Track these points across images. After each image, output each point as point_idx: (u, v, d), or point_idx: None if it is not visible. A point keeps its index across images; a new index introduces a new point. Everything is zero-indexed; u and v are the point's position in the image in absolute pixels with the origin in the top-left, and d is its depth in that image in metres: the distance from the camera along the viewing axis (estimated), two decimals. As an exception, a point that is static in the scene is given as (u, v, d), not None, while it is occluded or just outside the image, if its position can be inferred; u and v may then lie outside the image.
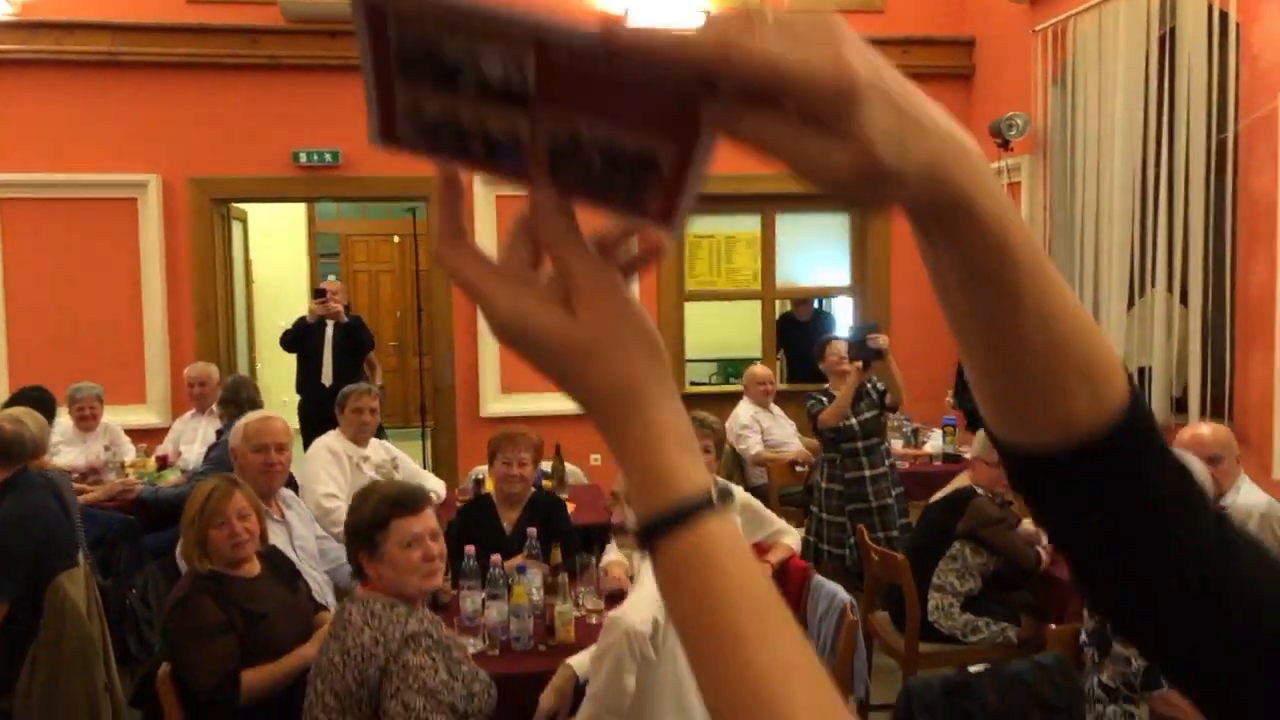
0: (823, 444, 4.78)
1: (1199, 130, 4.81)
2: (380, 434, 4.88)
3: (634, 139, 0.48)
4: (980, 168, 0.46)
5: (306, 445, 4.81)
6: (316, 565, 3.44)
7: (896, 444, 5.39)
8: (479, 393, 6.74)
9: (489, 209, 6.43)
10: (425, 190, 6.45)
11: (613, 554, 3.36)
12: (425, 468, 5.55)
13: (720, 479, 3.68)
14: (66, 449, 5.35)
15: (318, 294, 6.46)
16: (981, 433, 3.64)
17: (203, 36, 6.31)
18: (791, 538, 3.55)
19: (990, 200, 0.47)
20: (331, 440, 4.46)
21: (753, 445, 5.70)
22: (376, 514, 2.34)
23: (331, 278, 8.14)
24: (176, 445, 5.65)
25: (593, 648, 2.47)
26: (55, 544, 3.41)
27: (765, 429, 5.83)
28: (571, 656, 2.63)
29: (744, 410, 5.86)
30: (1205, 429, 3.27)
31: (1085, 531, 0.57)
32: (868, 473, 4.59)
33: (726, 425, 5.19)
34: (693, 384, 8.22)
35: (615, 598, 3.00)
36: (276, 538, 3.19)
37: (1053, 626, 2.94)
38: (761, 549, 3.49)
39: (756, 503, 3.69)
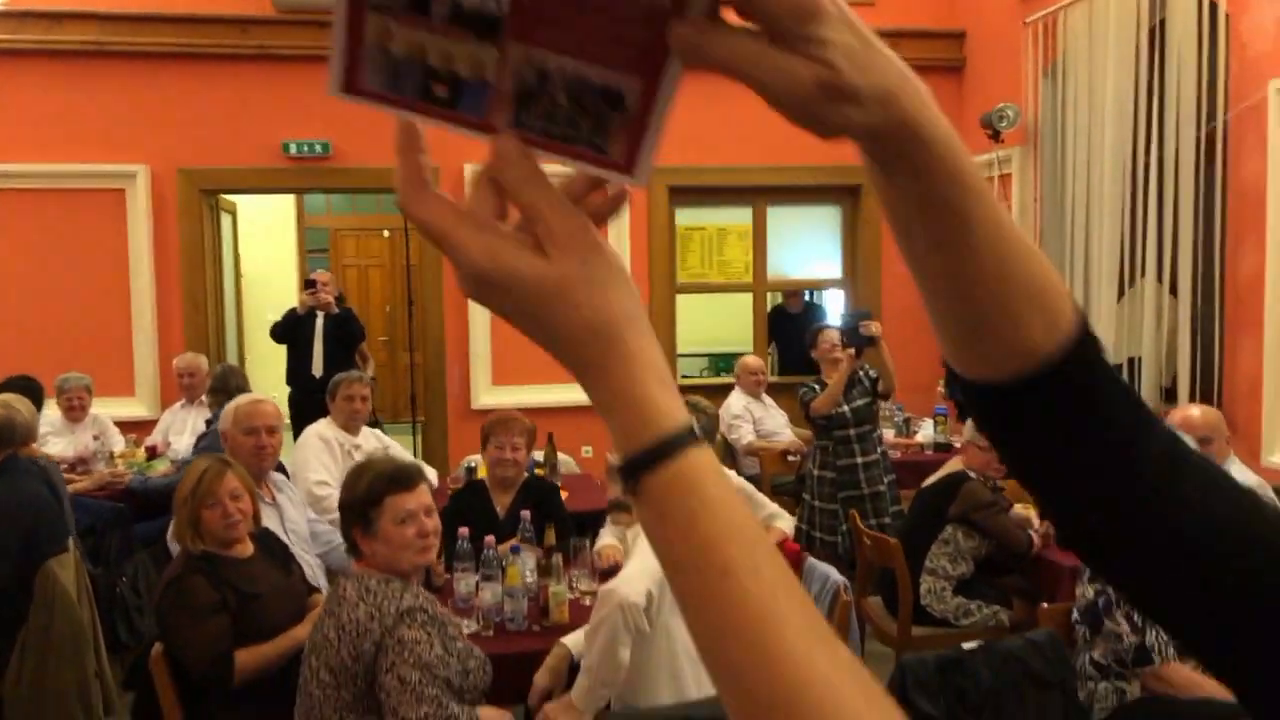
0: (815, 431, 4.79)
1: (1188, 121, 4.84)
2: (374, 423, 4.87)
3: (601, 74, 0.48)
4: (926, 98, 0.48)
5: (297, 437, 4.79)
6: (309, 548, 3.43)
7: (889, 434, 5.40)
8: (470, 385, 6.73)
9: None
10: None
11: (606, 538, 3.36)
12: (416, 458, 5.54)
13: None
14: (55, 440, 5.32)
15: (308, 285, 6.44)
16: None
17: (192, 26, 6.28)
18: (785, 521, 3.56)
19: (939, 127, 0.49)
20: (323, 428, 4.44)
21: (745, 435, 5.71)
22: (371, 490, 2.33)
23: (321, 270, 8.10)
24: (165, 436, 5.62)
25: (586, 627, 2.47)
26: (45, 529, 3.39)
27: (757, 419, 5.84)
28: (566, 636, 2.63)
29: (736, 400, 5.87)
30: (1195, 411, 3.30)
31: (1047, 456, 0.58)
32: (860, 460, 4.60)
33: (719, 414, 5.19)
34: (684, 377, 8.23)
35: (609, 580, 3.00)
36: (268, 520, 3.17)
37: (1045, 605, 2.95)
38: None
39: (750, 487, 3.70)
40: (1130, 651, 2.61)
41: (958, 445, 4.60)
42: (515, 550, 2.96)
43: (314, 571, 3.30)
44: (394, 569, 2.30)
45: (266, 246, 9.52)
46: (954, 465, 3.83)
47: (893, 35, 6.70)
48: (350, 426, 4.48)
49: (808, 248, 7.72)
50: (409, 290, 7.48)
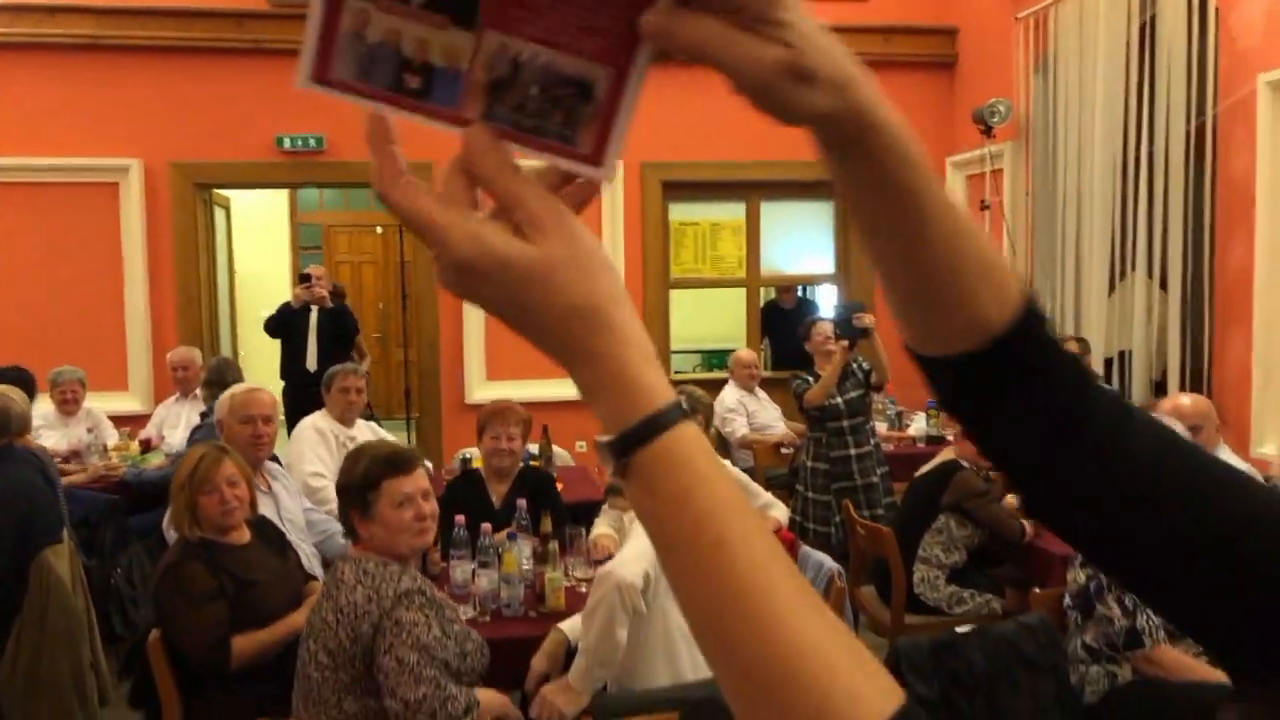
0: (808, 423, 4.81)
1: (1178, 115, 4.87)
2: (370, 416, 4.87)
3: (572, 64, 0.49)
4: (876, 86, 0.51)
5: (290, 431, 4.78)
6: (305, 537, 3.44)
7: (881, 426, 5.43)
8: (464, 381, 6.74)
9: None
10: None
11: (602, 527, 3.37)
12: (411, 452, 5.54)
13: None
14: (48, 433, 5.31)
15: (303, 279, 6.45)
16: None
17: (186, 20, 6.27)
18: (779, 510, 3.58)
19: (891, 113, 0.51)
20: (318, 420, 4.45)
21: (738, 428, 5.73)
22: (368, 474, 2.34)
23: (315, 265, 8.09)
24: (159, 430, 5.61)
25: (583, 611, 2.48)
26: (41, 519, 3.38)
27: (751, 413, 5.86)
28: (562, 621, 2.65)
29: (730, 394, 5.89)
30: (1186, 399, 3.33)
31: (1003, 424, 0.61)
32: (853, 451, 4.63)
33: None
34: (677, 372, 8.25)
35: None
36: (264, 509, 3.18)
37: (1036, 590, 2.98)
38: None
39: (745, 476, 3.72)
40: (1121, 635, 2.63)
41: (949, 438, 4.62)
42: (512, 537, 2.97)
43: (310, 559, 3.31)
44: (391, 552, 2.31)
45: (260, 243, 9.49)
46: (947, 454, 3.85)
47: (886, 31, 6.74)
48: (346, 419, 4.49)
49: (801, 243, 7.75)
50: (403, 286, 7.49)
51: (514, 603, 2.86)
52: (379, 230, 10.53)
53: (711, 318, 8.57)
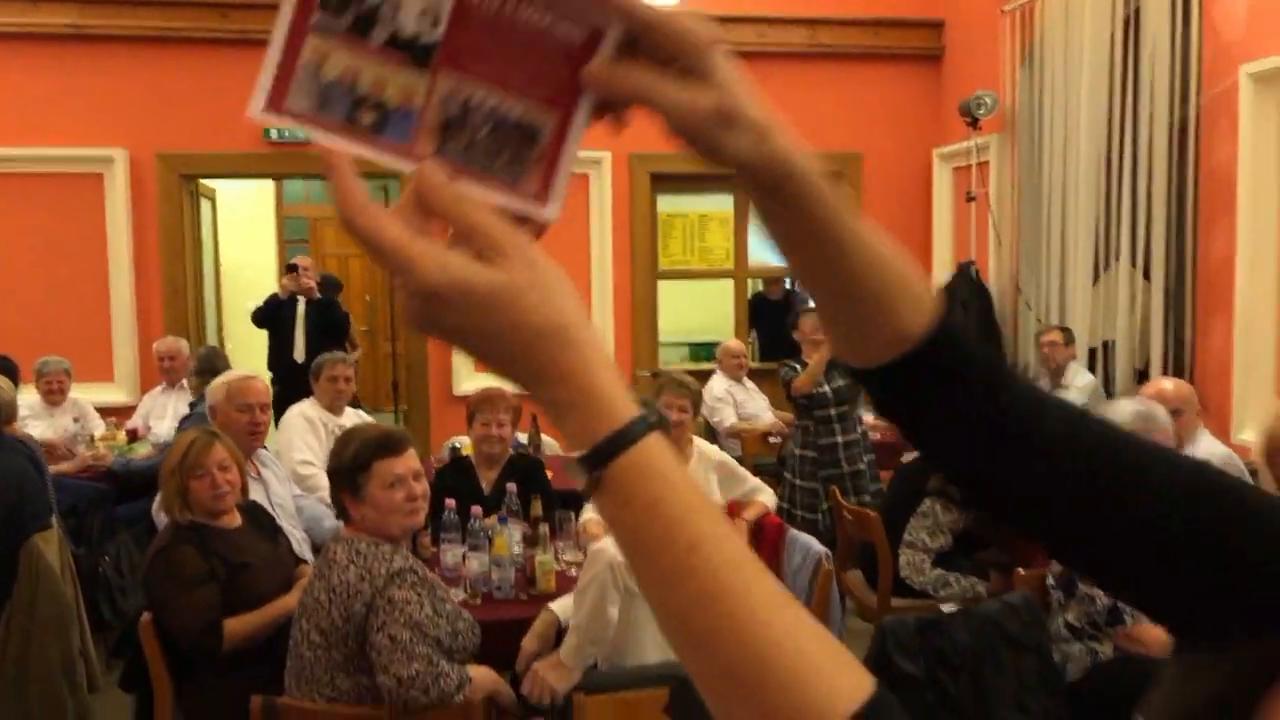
0: (796, 411, 4.85)
1: (1162, 107, 4.92)
2: (357, 405, 4.87)
3: (520, 108, 0.53)
4: (793, 135, 0.56)
5: (278, 422, 4.78)
6: (295, 522, 3.44)
7: (868, 415, 5.46)
8: (451, 373, 6.74)
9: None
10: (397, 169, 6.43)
11: (590, 512, 3.39)
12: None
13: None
14: (34, 423, 5.28)
15: (289, 269, 6.43)
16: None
17: (171, 10, 6.24)
18: (767, 495, 3.61)
19: (805, 160, 0.57)
20: (307, 408, 4.45)
21: (727, 417, 5.76)
22: (358, 456, 2.35)
23: (302, 255, 8.07)
24: (146, 420, 5.60)
25: (574, 590, 2.50)
26: (30, 505, 3.38)
27: (739, 402, 5.89)
28: (553, 602, 2.67)
29: (718, 383, 5.92)
30: (1168, 384, 3.37)
31: (932, 423, 0.66)
32: (840, 439, 4.66)
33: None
34: (665, 364, 8.26)
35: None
36: (254, 495, 3.19)
37: (1020, 571, 3.02)
38: (737, 506, 3.54)
39: (733, 461, 3.74)
40: (1103, 613, 2.68)
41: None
42: (502, 520, 2.99)
43: (300, 545, 3.32)
44: (383, 533, 2.32)
45: (246, 235, 9.44)
46: (933, 441, 3.88)
47: (873, 24, 6.77)
48: (334, 407, 4.49)
49: (788, 235, 7.76)
50: (390, 279, 7.46)
51: (505, 585, 2.88)
52: (366, 223, 10.48)
53: (700, 309, 8.59)
